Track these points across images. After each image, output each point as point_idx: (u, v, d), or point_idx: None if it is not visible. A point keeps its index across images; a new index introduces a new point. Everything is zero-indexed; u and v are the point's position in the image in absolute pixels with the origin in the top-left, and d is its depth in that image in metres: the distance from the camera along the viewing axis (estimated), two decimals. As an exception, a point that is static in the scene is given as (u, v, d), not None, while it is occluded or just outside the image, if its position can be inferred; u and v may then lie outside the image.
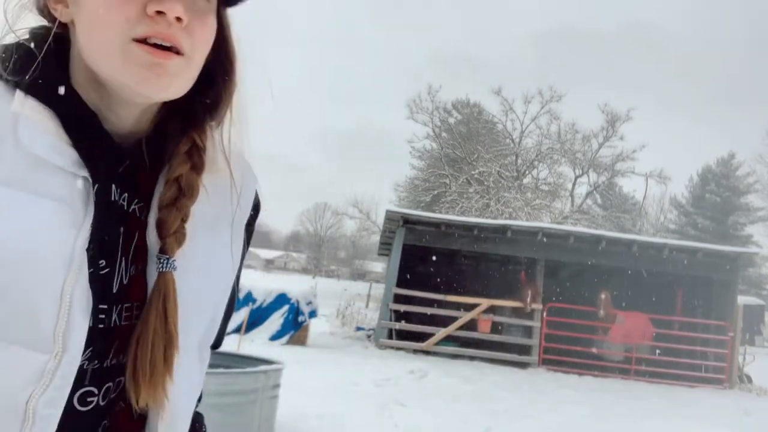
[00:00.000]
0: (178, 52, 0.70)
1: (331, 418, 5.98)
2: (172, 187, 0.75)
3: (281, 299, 11.76)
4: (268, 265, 77.17)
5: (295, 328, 11.58)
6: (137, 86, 0.69)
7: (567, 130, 31.83)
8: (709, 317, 12.90)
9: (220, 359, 4.25)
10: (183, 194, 0.76)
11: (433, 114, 32.28)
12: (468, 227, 13.05)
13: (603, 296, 12.99)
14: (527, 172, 32.54)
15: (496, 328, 12.81)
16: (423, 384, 9.08)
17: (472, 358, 12.26)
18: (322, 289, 15.25)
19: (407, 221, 13.01)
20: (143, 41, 0.68)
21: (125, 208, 0.75)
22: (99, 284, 0.70)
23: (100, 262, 0.71)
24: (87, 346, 0.69)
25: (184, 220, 0.75)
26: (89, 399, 0.72)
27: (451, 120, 33.52)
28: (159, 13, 0.67)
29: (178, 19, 0.68)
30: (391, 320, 12.65)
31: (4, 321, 0.63)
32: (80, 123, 0.71)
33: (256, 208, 0.91)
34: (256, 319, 11.40)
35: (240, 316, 10.16)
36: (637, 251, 12.80)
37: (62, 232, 0.66)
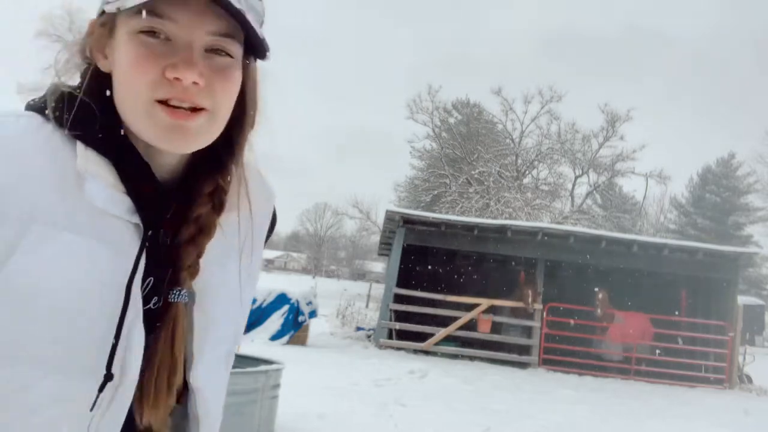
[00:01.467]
0: (198, 109, 0.76)
1: (331, 417, 5.98)
2: (192, 225, 0.82)
3: (281, 299, 11.76)
4: (268, 265, 77.14)
5: (295, 328, 11.58)
6: (161, 144, 0.76)
7: (567, 130, 31.83)
8: (709, 317, 12.88)
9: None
10: (201, 233, 0.82)
11: (433, 114, 32.26)
12: (468, 227, 13.04)
13: (600, 296, 12.98)
14: (527, 172, 32.53)
15: (496, 328, 12.81)
16: (423, 384, 9.07)
17: (472, 358, 12.26)
18: (322, 289, 15.26)
19: (407, 221, 13.00)
20: (165, 102, 0.74)
21: (167, 245, 0.82)
22: (151, 318, 0.79)
23: (154, 298, 0.80)
24: None
25: (199, 256, 0.82)
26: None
27: (451, 120, 33.50)
28: (176, 78, 0.73)
29: (195, 83, 0.74)
30: (391, 320, 12.64)
31: (71, 354, 0.71)
32: (135, 172, 0.78)
33: (273, 222, 1.00)
34: (256, 319, 11.39)
35: (240, 316, 10.15)
36: (637, 251, 12.79)
37: (119, 275, 0.74)
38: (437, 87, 32.34)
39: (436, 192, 31.17)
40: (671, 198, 46.68)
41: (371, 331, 14.33)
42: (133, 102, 0.75)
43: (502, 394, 8.82)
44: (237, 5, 0.73)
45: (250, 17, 0.76)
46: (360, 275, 70.56)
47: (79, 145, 0.75)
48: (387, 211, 13.38)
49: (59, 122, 0.75)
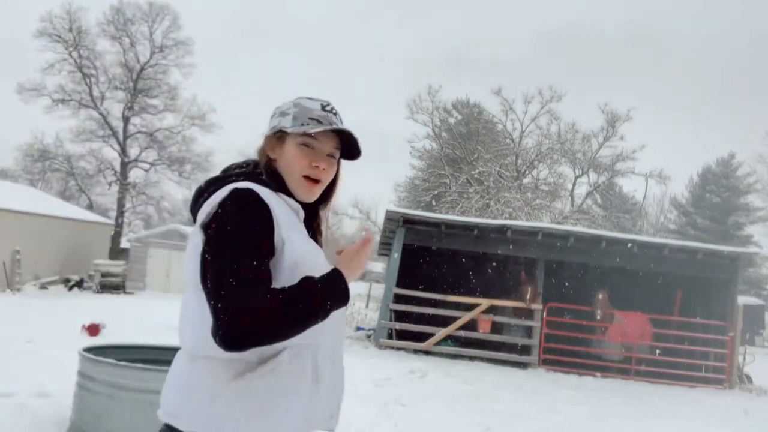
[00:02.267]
0: (319, 181, 1.64)
1: (331, 418, 5.97)
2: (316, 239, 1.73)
3: (281, 299, 11.71)
4: (268, 265, 76.96)
5: (295, 328, 11.56)
6: (303, 197, 1.63)
7: (567, 130, 31.83)
8: (709, 317, 12.87)
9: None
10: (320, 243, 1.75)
11: (433, 114, 32.24)
12: (468, 227, 13.04)
13: (600, 296, 12.96)
14: (527, 172, 32.50)
15: (496, 328, 12.80)
16: (423, 384, 9.07)
17: (472, 358, 12.25)
18: (322, 289, 15.16)
19: (407, 221, 13.00)
20: (307, 177, 1.61)
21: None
22: None
23: None
24: None
25: (321, 245, 1.75)
26: None
27: (451, 120, 33.49)
28: (316, 166, 1.61)
29: (323, 169, 1.62)
30: (391, 320, 12.64)
31: None
32: (302, 206, 1.62)
33: None
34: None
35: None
36: (637, 251, 12.78)
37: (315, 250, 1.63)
38: (437, 87, 32.38)
39: (436, 192, 31.13)
40: (671, 198, 46.64)
41: (371, 331, 14.33)
42: (293, 176, 1.61)
43: (502, 394, 8.82)
44: (354, 137, 1.65)
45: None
46: (360, 275, 70.57)
47: (281, 195, 1.58)
48: (387, 211, 13.37)
49: (269, 180, 1.59)
